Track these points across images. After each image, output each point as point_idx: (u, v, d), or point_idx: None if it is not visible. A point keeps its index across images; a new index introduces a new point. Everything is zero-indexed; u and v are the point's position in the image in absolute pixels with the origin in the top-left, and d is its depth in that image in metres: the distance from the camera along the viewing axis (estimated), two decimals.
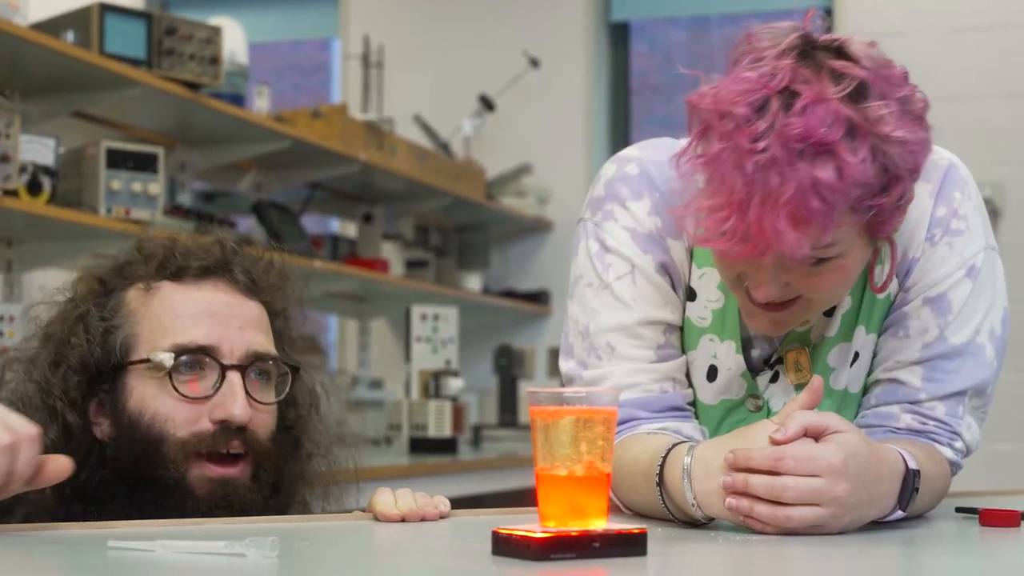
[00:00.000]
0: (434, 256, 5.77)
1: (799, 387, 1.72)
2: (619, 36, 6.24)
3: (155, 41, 3.69)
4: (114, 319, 1.72)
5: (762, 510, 1.46)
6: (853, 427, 1.51)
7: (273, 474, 1.71)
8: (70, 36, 3.52)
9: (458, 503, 1.69)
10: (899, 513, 1.55)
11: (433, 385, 4.61)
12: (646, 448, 1.62)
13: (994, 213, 5.21)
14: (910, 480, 1.54)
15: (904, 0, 5.55)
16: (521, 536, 1.26)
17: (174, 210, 3.98)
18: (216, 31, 3.83)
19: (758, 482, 1.45)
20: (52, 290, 1.80)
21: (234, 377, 1.68)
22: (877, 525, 1.57)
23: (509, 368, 5.39)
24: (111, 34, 3.57)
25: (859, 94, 1.49)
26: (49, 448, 1.65)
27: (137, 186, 3.52)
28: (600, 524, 1.28)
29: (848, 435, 1.49)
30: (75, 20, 3.57)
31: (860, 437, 1.50)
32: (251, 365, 1.71)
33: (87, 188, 3.50)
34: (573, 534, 1.26)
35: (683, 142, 1.80)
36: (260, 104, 4.51)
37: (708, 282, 1.73)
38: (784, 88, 1.48)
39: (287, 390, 1.76)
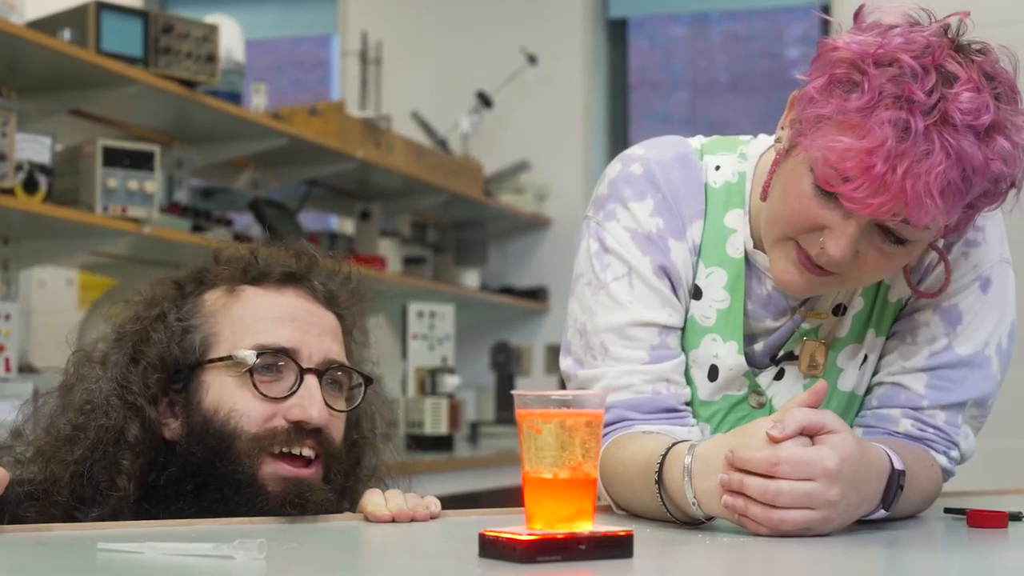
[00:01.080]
0: (432, 253, 5.78)
1: (810, 380, 1.73)
2: (617, 32, 6.24)
3: (152, 39, 3.69)
4: (192, 319, 1.74)
5: (756, 511, 1.46)
6: (847, 427, 1.52)
7: (343, 479, 1.72)
8: (67, 34, 3.53)
9: (455, 500, 1.70)
10: (882, 512, 1.56)
11: (429, 382, 4.62)
12: (643, 447, 1.63)
13: None
14: (895, 479, 1.55)
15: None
16: (507, 538, 1.26)
17: (171, 207, 3.99)
18: (212, 29, 3.83)
19: (753, 484, 1.46)
20: (129, 294, 1.82)
21: (311, 380, 1.70)
22: (865, 525, 1.58)
23: (506, 365, 5.40)
24: (108, 32, 3.58)
25: (1001, 97, 1.52)
26: (132, 444, 1.67)
27: (133, 184, 3.53)
28: (586, 526, 1.28)
29: (843, 436, 1.49)
30: (72, 18, 3.58)
31: (853, 438, 1.50)
32: (327, 372, 1.73)
33: (84, 186, 3.51)
34: (559, 536, 1.26)
35: (693, 140, 1.80)
36: (258, 101, 4.52)
37: (715, 282, 1.73)
38: (940, 64, 1.49)
39: (360, 400, 1.78)
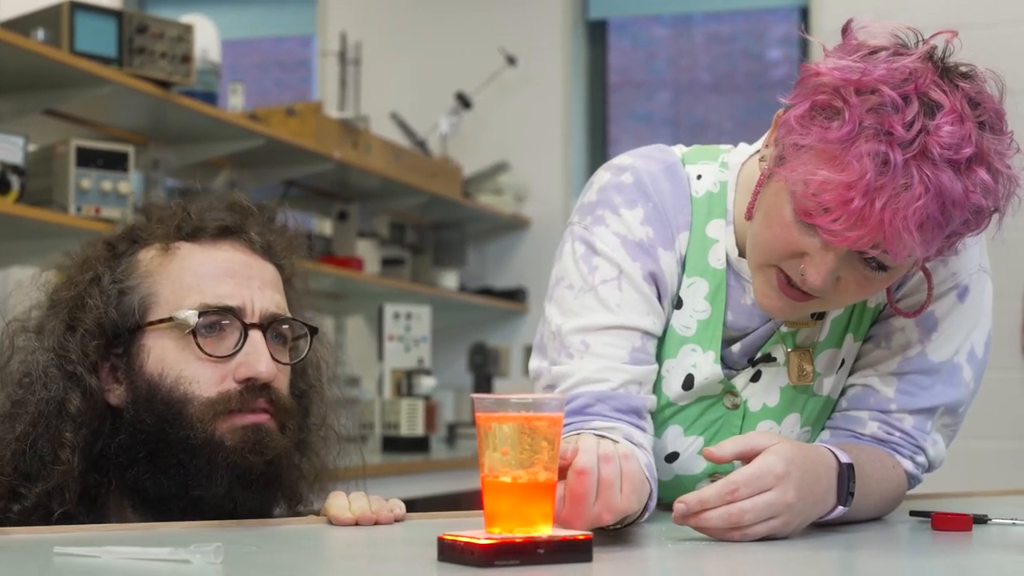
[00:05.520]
0: (410, 254, 5.77)
1: (798, 388, 1.73)
2: (597, 33, 6.23)
3: (126, 39, 3.68)
4: (128, 280, 1.69)
5: (721, 536, 1.47)
6: (779, 436, 1.53)
7: (296, 431, 1.70)
8: (40, 34, 3.51)
9: (431, 502, 1.69)
10: (840, 509, 1.56)
11: (405, 384, 4.61)
12: None
13: None
14: (845, 474, 1.56)
15: (883, 0, 5.55)
16: (465, 543, 1.26)
17: None
18: (187, 29, 3.82)
19: (715, 515, 1.46)
20: (56, 258, 1.77)
21: (256, 336, 1.67)
22: (827, 528, 1.58)
23: (484, 366, 5.38)
24: (81, 32, 3.56)
25: (985, 125, 1.50)
26: (74, 415, 1.64)
27: (107, 184, 3.51)
28: (545, 530, 1.28)
29: (779, 444, 1.50)
30: (45, 18, 3.56)
31: (790, 443, 1.52)
32: (271, 325, 1.69)
33: (57, 187, 3.49)
34: (517, 540, 1.26)
35: (675, 149, 1.79)
36: (235, 102, 4.50)
37: (696, 292, 1.73)
38: (923, 93, 1.48)
39: (308, 351, 1.75)
